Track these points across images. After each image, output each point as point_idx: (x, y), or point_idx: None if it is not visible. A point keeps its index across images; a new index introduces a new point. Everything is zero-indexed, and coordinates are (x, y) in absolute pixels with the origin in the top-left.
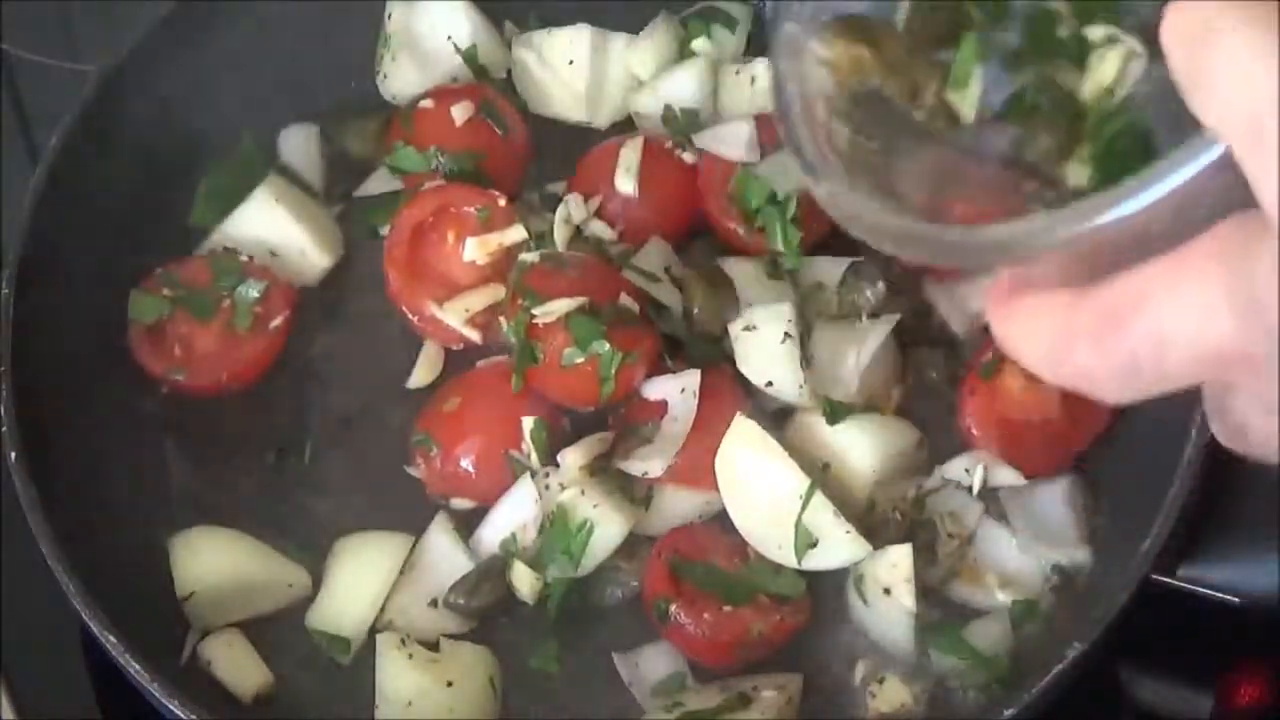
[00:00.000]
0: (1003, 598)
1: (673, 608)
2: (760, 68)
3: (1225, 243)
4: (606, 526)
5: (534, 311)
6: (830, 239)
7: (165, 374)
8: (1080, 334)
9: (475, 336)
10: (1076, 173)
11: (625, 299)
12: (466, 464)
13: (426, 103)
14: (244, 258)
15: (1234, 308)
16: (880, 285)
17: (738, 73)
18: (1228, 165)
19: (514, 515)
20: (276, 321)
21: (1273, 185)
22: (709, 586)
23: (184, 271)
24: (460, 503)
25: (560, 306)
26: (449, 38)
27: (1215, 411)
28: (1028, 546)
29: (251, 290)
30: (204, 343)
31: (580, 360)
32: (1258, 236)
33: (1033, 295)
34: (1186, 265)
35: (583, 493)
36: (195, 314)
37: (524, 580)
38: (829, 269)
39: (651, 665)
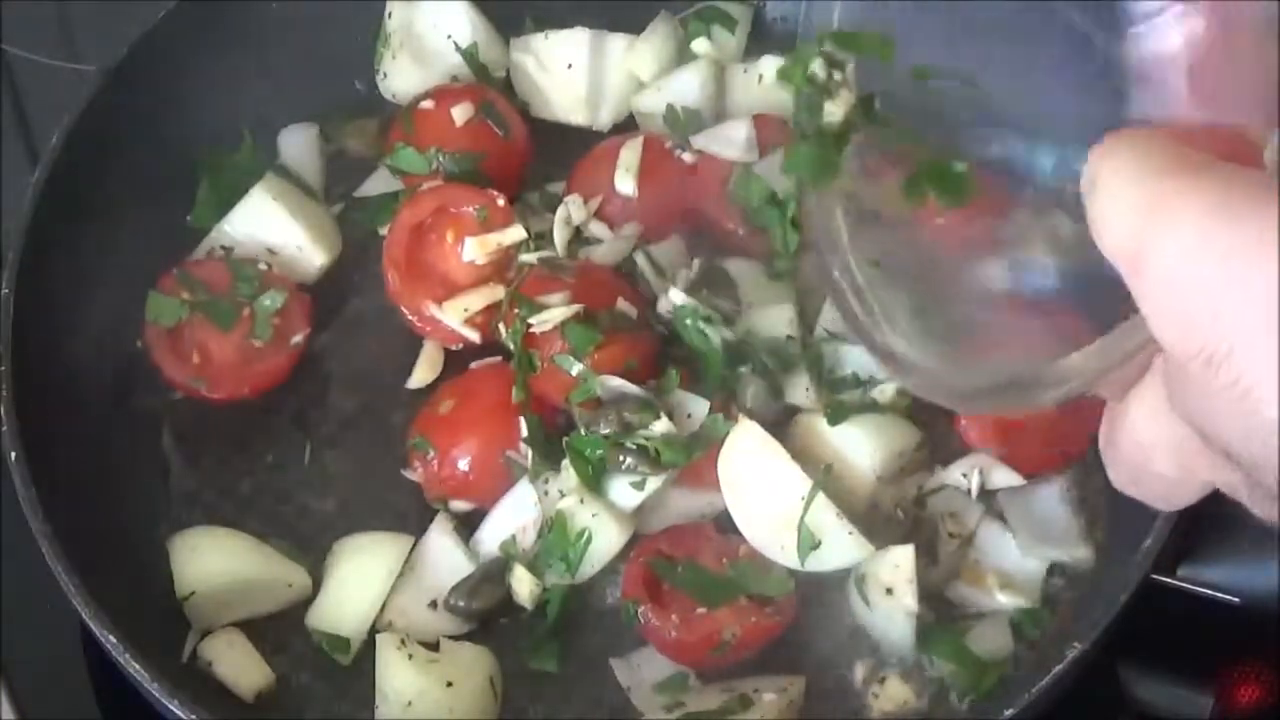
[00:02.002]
0: (1003, 598)
1: (642, 609)
2: (767, 65)
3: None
4: (605, 535)
5: (530, 320)
6: None
7: (185, 382)
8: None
9: (474, 336)
10: None
11: (623, 304)
12: (464, 466)
13: (426, 103)
14: (263, 266)
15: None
16: None
17: (745, 71)
18: None
19: (514, 517)
20: (297, 338)
21: (1157, 321)
22: (689, 587)
23: (202, 272)
24: (460, 504)
25: (556, 315)
26: (449, 37)
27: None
28: (1028, 546)
29: (272, 301)
30: (223, 352)
31: (576, 369)
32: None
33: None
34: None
35: (582, 501)
36: (215, 321)
37: (523, 585)
38: None
39: (651, 667)
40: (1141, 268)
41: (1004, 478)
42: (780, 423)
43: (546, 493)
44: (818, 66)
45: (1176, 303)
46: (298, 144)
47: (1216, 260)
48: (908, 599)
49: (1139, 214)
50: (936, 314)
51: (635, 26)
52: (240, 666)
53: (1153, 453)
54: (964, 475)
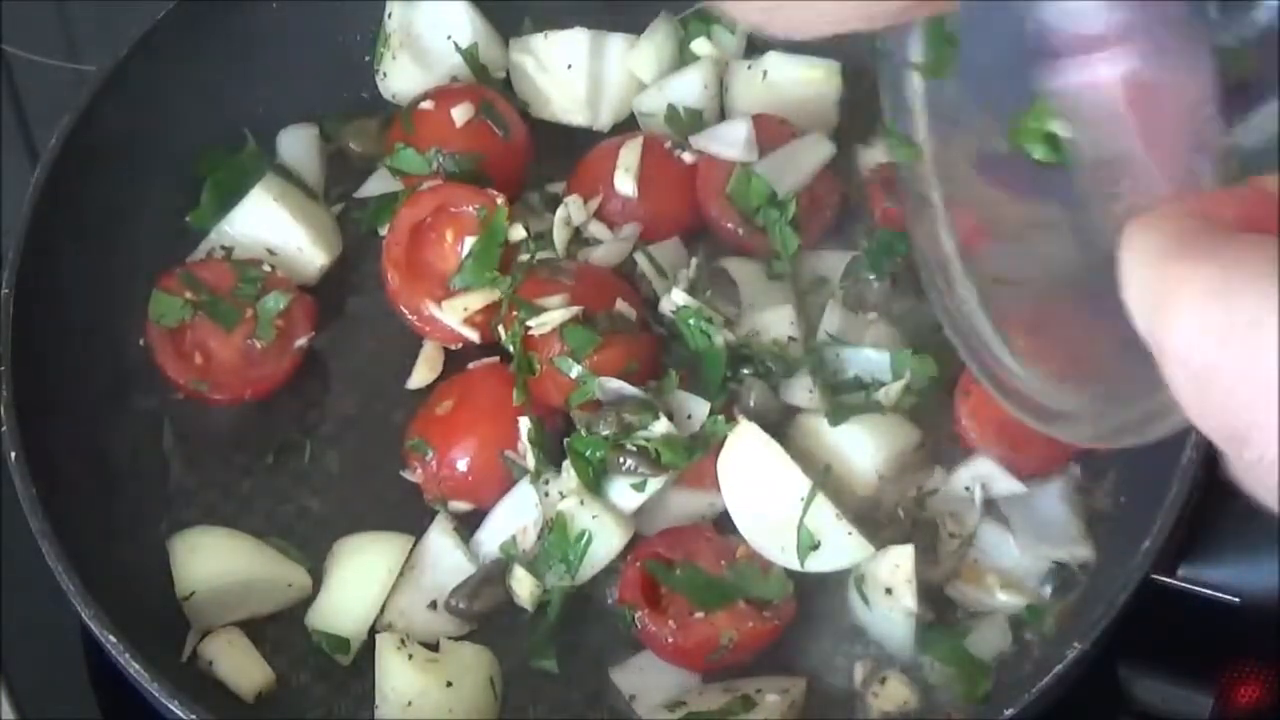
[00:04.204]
0: (1003, 598)
1: (639, 615)
2: (771, 62)
3: None
4: (606, 537)
5: (529, 323)
6: (833, 233)
7: (187, 383)
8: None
9: (474, 336)
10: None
11: (622, 305)
12: (462, 467)
13: (427, 104)
14: (266, 267)
15: None
16: (885, 279)
17: (749, 68)
18: None
19: (514, 518)
20: (301, 341)
21: (1181, 403)
22: (687, 590)
23: (205, 273)
24: (459, 504)
25: (555, 318)
26: (449, 37)
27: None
28: (1028, 546)
29: (275, 302)
30: (225, 353)
31: (575, 371)
32: None
33: None
34: None
35: (582, 502)
36: (218, 321)
37: (523, 586)
38: (832, 262)
39: (653, 674)
40: (1160, 352)
41: (1007, 486)
42: (781, 424)
43: (547, 494)
44: None
45: (1193, 387)
46: (298, 144)
47: (1216, 345)
48: (907, 599)
49: (1151, 301)
50: (1052, 330)
51: (635, 26)
52: (240, 666)
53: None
54: (967, 489)
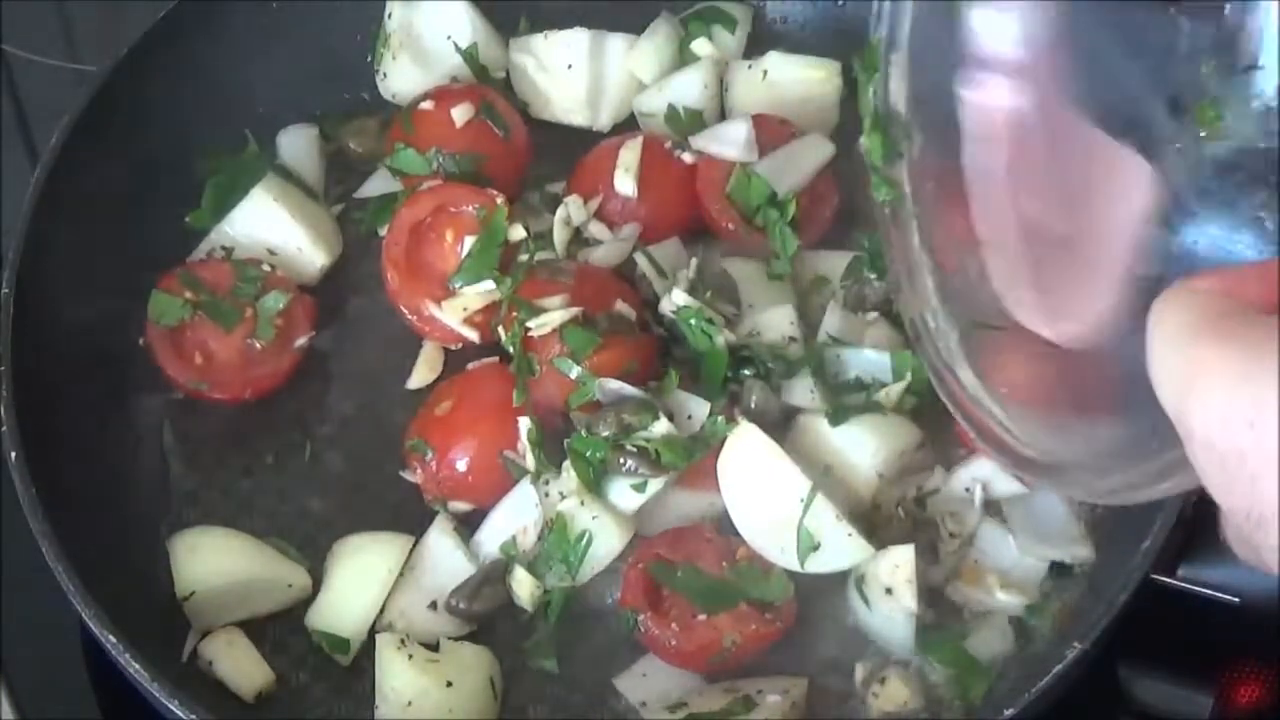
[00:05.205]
0: (1003, 598)
1: (641, 618)
2: (771, 62)
3: None
4: (606, 538)
5: (528, 324)
6: (833, 233)
7: (187, 383)
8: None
9: (474, 336)
10: None
11: (621, 305)
12: (461, 467)
13: (427, 104)
14: (266, 267)
15: None
16: (885, 279)
17: (750, 67)
18: None
19: (514, 518)
20: (300, 341)
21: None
22: (688, 591)
23: (204, 273)
24: (459, 504)
25: (554, 319)
26: (449, 37)
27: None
28: (1028, 546)
29: (274, 302)
30: (225, 352)
31: (575, 372)
32: None
33: None
34: None
35: (582, 503)
36: (217, 321)
37: (524, 587)
38: (833, 263)
39: (657, 679)
40: (1187, 431)
41: (1007, 486)
42: (781, 424)
43: (547, 494)
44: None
45: (1219, 467)
46: (298, 144)
47: (1243, 427)
48: (908, 599)
49: (1179, 381)
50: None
51: (635, 26)
52: (240, 666)
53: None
54: (967, 489)
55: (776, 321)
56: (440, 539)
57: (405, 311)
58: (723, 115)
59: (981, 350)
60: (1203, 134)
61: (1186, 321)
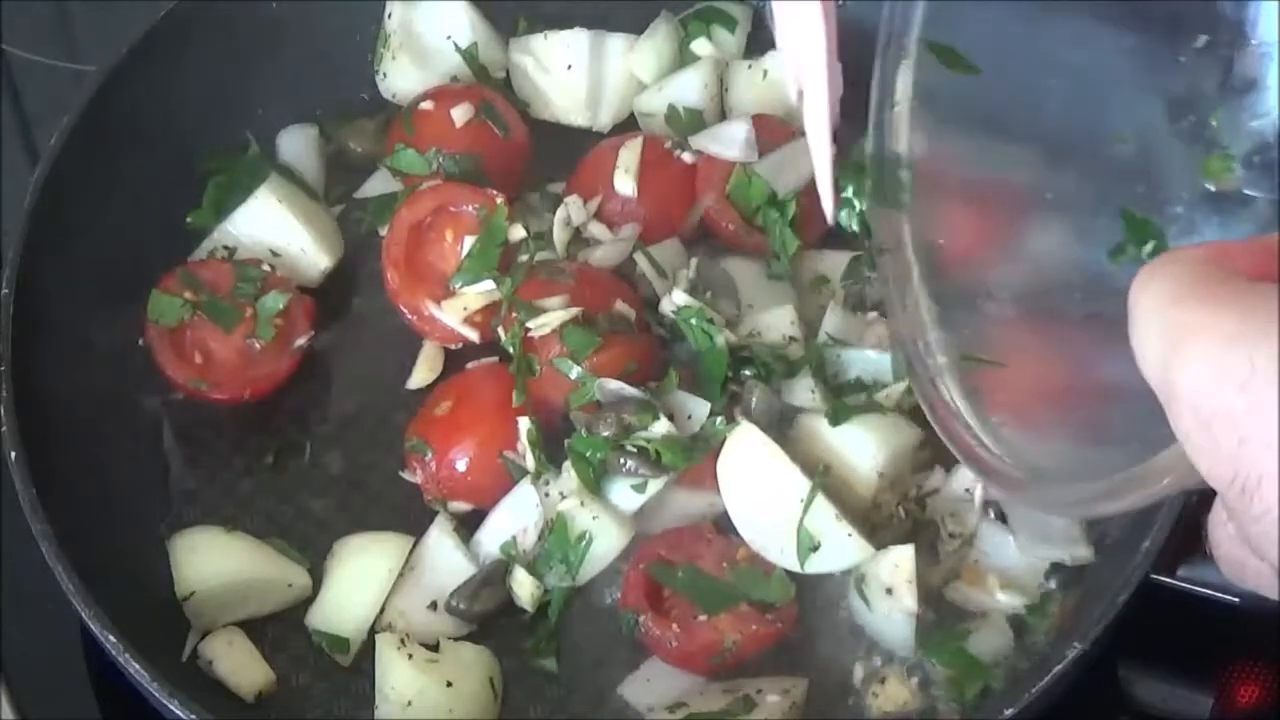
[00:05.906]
0: (1003, 598)
1: (642, 619)
2: (771, 62)
3: None
4: (606, 538)
5: (528, 325)
6: (833, 233)
7: (187, 383)
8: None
9: (474, 336)
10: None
11: (621, 306)
12: (461, 467)
13: (426, 104)
14: (266, 267)
15: None
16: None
17: (750, 67)
18: None
19: (514, 518)
20: (300, 341)
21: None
22: (689, 592)
23: (204, 273)
24: (459, 505)
25: (554, 319)
26: (449, 37)
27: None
28: (1028, 547)
29: (274, 302)
30: (224, 352)
31: (575, 372)
32: None
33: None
34: None
35: (582, 503)
36: (217, 321)
37: (524, 587)
38: (833, 262)
39: (660, 682)
40: (1171, 397)
41: None
42: (781, 424)
43: (547, 495)
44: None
45: (1205, 432)
46: (298, 144)
47: (1235, 390)
48: (908, 599)
49: (1165, 345)
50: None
51: (635, 26)
52: (240, 666)
53: (1245, 559)
54: (967, 489)
55: (776, 321)
56: (440, 539)
57: (405, 311)
58: (723, 115)
59: (972, 379)
60: (1211, 187)
61: (1173, 288)
